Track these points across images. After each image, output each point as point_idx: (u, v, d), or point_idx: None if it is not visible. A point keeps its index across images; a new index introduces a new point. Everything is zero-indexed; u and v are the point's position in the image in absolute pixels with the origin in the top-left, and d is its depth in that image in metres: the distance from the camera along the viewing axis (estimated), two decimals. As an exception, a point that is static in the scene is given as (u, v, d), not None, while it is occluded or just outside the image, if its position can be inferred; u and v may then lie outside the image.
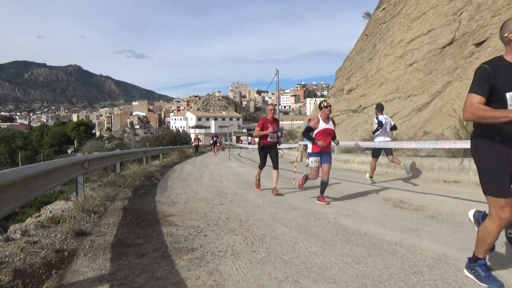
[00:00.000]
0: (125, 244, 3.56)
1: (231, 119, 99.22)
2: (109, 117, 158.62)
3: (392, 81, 13.77)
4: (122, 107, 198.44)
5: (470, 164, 7.13)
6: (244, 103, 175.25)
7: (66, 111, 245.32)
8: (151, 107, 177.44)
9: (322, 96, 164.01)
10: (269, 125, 6.65)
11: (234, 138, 73.34)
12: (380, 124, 7.65)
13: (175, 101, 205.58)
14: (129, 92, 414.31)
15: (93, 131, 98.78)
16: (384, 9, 17.90)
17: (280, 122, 7.56)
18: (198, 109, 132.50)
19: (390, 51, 14.68)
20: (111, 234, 3.94)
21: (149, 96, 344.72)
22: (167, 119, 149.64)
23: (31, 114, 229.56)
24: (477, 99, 2.25)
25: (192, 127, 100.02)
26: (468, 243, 3.24)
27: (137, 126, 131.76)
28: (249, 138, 47.23)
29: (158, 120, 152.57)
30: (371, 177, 7.89)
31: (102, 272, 2.84)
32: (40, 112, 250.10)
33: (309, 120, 15.12)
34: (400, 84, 13.14)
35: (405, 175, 7.87)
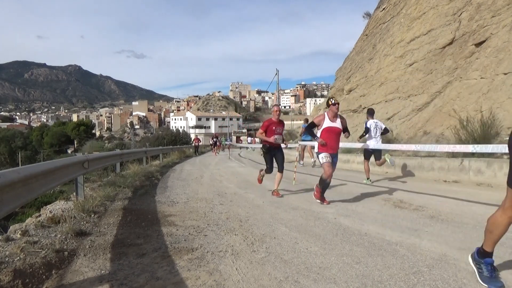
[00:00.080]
0: (125, 244, 3.56)
1: (231, 119, 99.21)
2: (109, 117, 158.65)
3: (392, 81, 13.77)
4: (122, 107, 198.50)
5: (470, 164, 7.13)
6: (244, 103, 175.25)
7: (66, 111, 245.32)
8: (151, 107, 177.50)
9: (322, 96, 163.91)
10: (273, 128, 6.36)
11: (234, 138, 73.32)
12: (366, 130, 7.95)
13: (175, 101, 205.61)
14: (129, 92, 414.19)
15: (93, 131, 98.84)
16: (384, 9, 17.91)
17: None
18: (198, 109, 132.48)
19: (390, 51, 14.69)
20: (111, 234, 3.94)
21: (149, 96, 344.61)
22: (167, 119, 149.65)
23: (31, 114, 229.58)
24: None
25: (192, 127, 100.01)
26: (468, 243, 3.24)
27: (137, 126, 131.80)
28: (249, 138, 47.24)
29: (158, 120, 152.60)
30: (368, 178, 7.96)
31: (102, 272, 2.84)
32: (40, 112, 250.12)
33: (306, 120, 15.13)
34: (400, 84, 13.15)
35: (407, 175, 7.89)
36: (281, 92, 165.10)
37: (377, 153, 8.04)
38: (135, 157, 13.39)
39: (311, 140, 13.02)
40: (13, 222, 10.07)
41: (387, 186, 7.24)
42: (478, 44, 9.83)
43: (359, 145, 8.99)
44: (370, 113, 8.20)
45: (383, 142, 8.32)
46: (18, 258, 2.92)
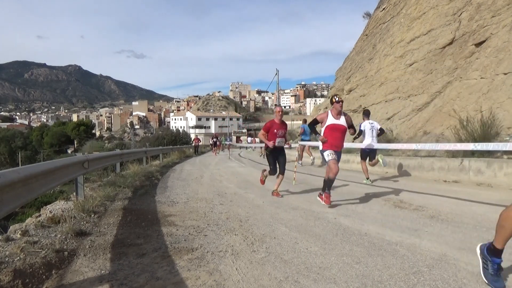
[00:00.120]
0: (125, 244, 3.56)
1: (231, 119, 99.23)
2: (109, 117, 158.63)
3: (392, 81, 13.77)
4: (122, 107, 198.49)
5: (470, 164, 7.13)
6: (244, 103, 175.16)
7: (66, 111, 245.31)
8: (151, 107, 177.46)
9: (322, 96, 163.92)
10: (275, 131, 6.29)
11: (234, 138, 73.34)
12: (359, 132, 8.05)
13: (175, 101, 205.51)
14: (129, 92, 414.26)
15: (93, 131, 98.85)
16: (384, 9, 17.90)
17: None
18: (198, 109, 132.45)
19: (390, 51, 14.69)
20: (111, 234, 3.94)
21: (149, 96, 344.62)
22: (167, 119, 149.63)
23: (31, 114, 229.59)
24: None
25: (192, 127, 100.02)
26: (468, 243, 3.24)
27: (137, 126, 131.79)
28: (249, 138, 47.22)
29: (158, 120, 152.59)
30: (367, 178, 7.97)
31: (102, 272, 2.84)
32: (40, 112, 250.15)
33: (304, 120, 15.14)
34: (400, 84, 13.14)
35: (407, 175, 7.89)
36: (281, 92, 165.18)
37: (372, 154, 8.17)
38: (135, 157, 13.39)
39: (310, 140, 13.07)
40: (13, 222, 10.06)
41: (387, 186, 7.24)
42: (478, 44, 9.83)
43: (360, 145, 9.00)
44: (366, 114, 8.35)
45: (382, 142, 8.35)
46: (18, 258, 2.93)
